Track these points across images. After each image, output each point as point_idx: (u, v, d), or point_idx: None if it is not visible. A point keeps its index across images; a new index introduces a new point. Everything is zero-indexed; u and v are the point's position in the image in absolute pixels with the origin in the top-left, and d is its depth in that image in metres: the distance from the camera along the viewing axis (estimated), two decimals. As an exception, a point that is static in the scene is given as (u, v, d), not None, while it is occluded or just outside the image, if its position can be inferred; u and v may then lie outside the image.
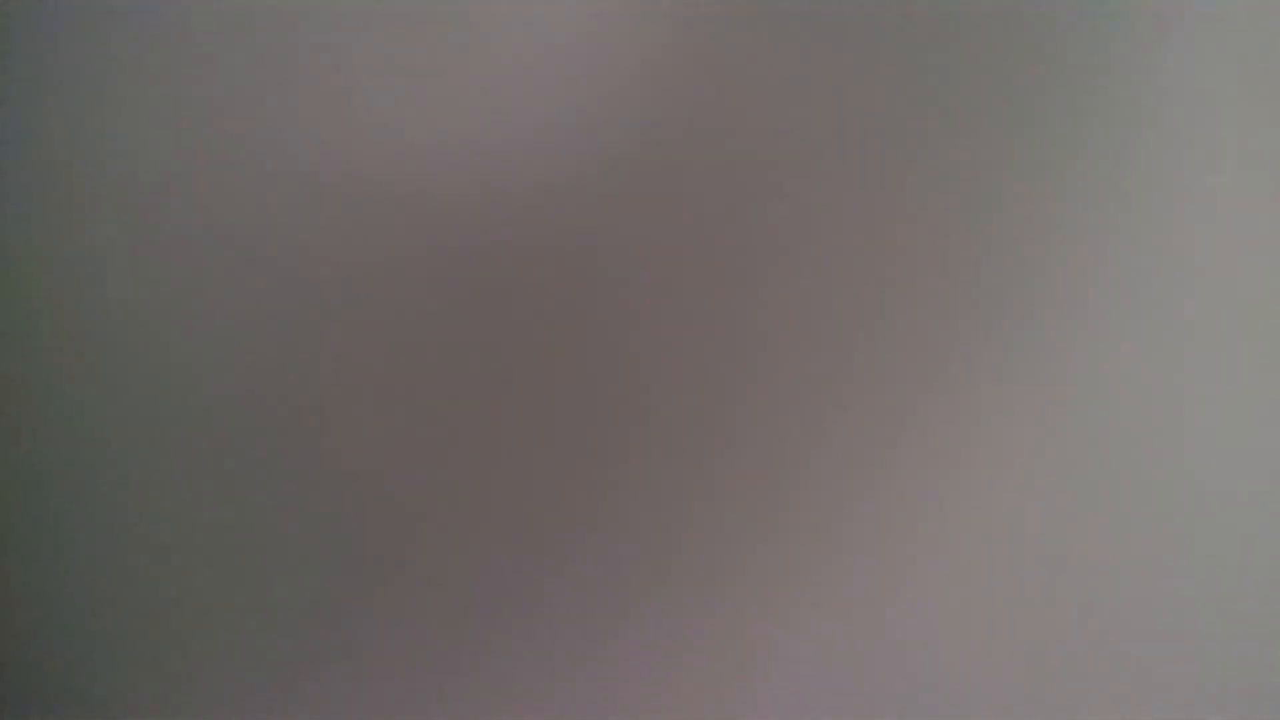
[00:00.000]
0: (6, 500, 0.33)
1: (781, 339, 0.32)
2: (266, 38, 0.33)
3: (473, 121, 0.33)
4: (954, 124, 0.33)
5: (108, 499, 0.33)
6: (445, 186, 0.32)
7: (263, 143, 0.33)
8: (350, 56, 0.33)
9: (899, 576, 0.32)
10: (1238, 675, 0.32)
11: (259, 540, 0.32)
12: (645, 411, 0.32)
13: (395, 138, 0.33)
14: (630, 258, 0.32)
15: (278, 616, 0.32)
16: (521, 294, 0.32)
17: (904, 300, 0.32)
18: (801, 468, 0.32)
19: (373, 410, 0.32)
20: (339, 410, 0.32)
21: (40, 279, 0.33)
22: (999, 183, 0.33)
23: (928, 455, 0.32)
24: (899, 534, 0.32)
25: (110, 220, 0.33)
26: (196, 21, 0.33)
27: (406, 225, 0.32)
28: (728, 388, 0.32)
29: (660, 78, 0.33)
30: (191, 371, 0.33)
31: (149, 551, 0.32)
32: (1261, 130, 0.33)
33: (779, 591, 0.32)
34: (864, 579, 0.32)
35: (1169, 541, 0.32)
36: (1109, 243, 0.33)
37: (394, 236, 0.32)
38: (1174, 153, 0.33)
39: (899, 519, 0.32)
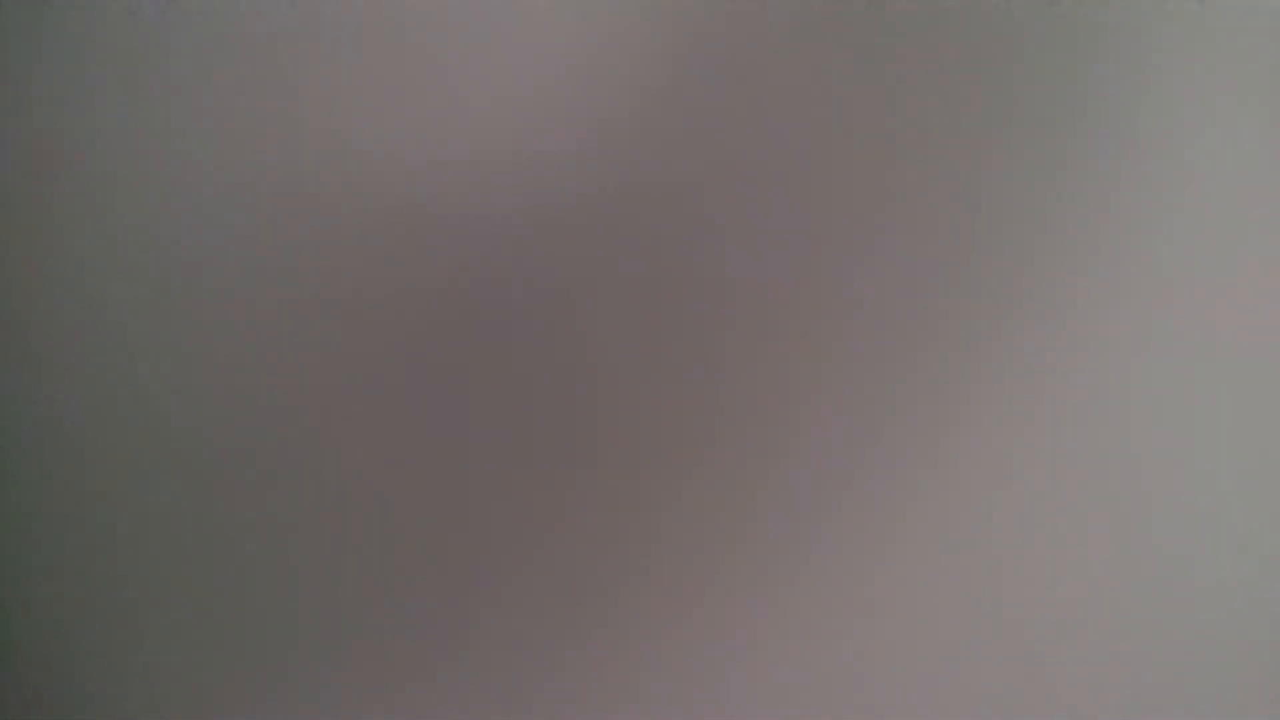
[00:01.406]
0: (7, 502, 0.33)
1: (762, 344, 0.32)
2: (265, 48, 0.33)
3: (467, 134, 0.33)
4: (945, 129, 0.33)
5: (107, 502, 0.33)
6: (441, 199, 0.33)
7: (260, 154, 0.33)
8: (350, 69, 0.33)
9: (880, 576, 0.32)
10: (1237, 675, 0.32)
11: (252, 543, 0.32)
12: (626, 415, 0.32)
13: (392, 151, 0.33)
14: (611, 266, 0.32)
15: (271, 617, 0.32)
16: (503, 302, 0.32)
17: (889, 303, 0.32)
18: (782, 470, 0.32)
19: (363, 414, 0.32)
20: (332, 417, 0.33)
21: (43, 286, 0.33)
22: (989, 186, 0.33)
23: (911, 456, 0.32)
24: (880, 534, 0.32)
25: (110, 225, 0.33)
26: (195, 30, 0.33)
27: (402, 237, 0.33)
28: (710, 388, 0.32)
29: (649, 97, 0.33)
30: (188, 378, 0.33)
31: (146, 554, 0.33)
32: (1259, 129, 0.33)
33: (758, 592, 0.32)
34: (844, 578, 0.32)
35: (1154, 541, 0.32)
36: (1101, 245, 0.33)
37: (383, 249, 0.33)
38: (1170, 153, 0.33)
39: (880, 519, 0.32)
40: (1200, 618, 0.32)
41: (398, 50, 0.33)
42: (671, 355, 0.32)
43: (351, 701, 0.32)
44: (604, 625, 0.32)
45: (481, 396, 0.32)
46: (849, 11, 0.33)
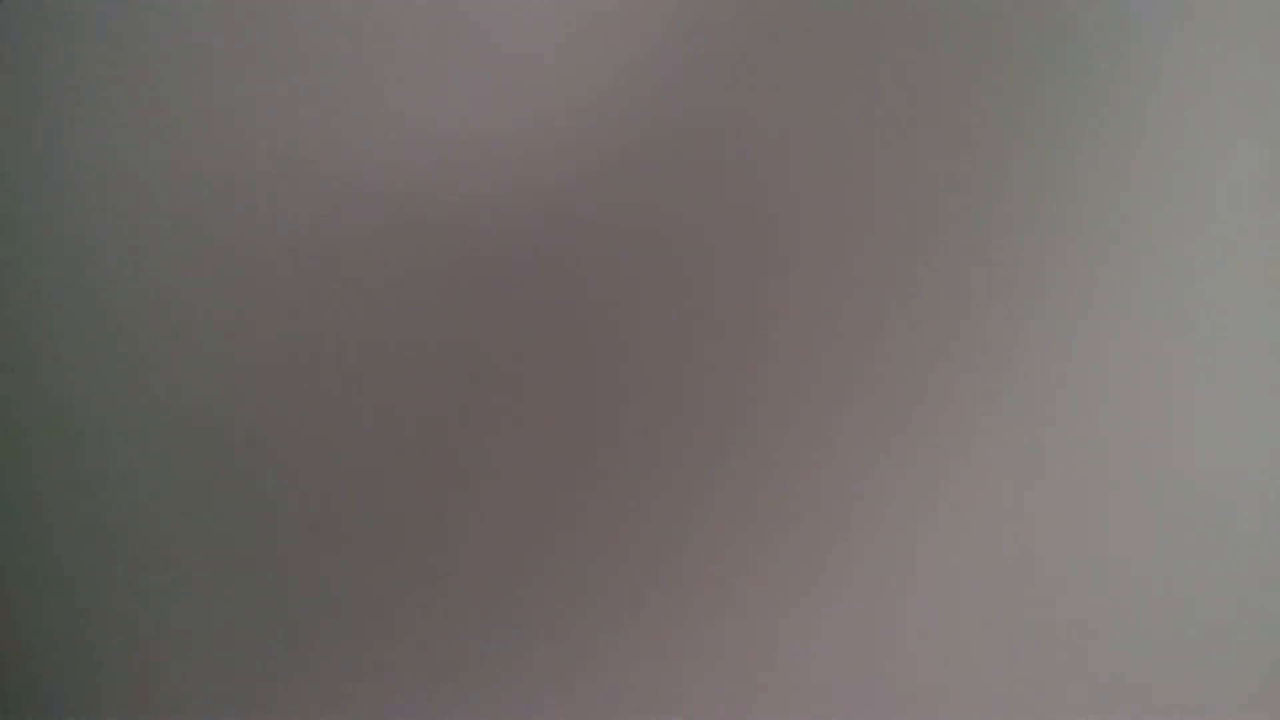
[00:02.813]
0: (7, 501, 0.33)
1: (780, 341, 0.32)
2: (267, 40, 0.33)
3: (470, 123, 0.33)
4: (951, 127, 0.33)
5: (107, 501, 0.33)
6: (445, 188, 0.32)
7: (262, 144, 0.33)
8: (352, 58, 0.33)
9: (899, 576, 0.32)
10: (1236, 676, 0.32)
11: (256, 542, 0.32)
12: (646, 414, 0.32)
13: (396, 140, 0.33)
14: (629, 261, 0.32)
15: (275, 617, 0.32)
16: (520, 296, 0.32)
17: (902, 303, 0.32)
18: (801, 468, 0.32)
19: (373, 410, 0.32)
20: (339, 412, 0.32)
21: (44, 281, 0.33)
22: (995, 185, 0.33)
23: (927, 456, 0.32)
24: (899, 534, 0.32)
25: (110, 221, 0.33)
26: (197, 24, 0.33)
27: (407, 227, 0.32)
28: (727, 387, 0.32)
29: (660, 81, 0.33)
30: (191, 373, 0.32)
31: (147, 553, 0.32)
32: (1261, 130, 0.33)
33: (778, 593, 0.32)
34: (864, 579, 0.32)
35: (1166, 542, 0.32)
36: (1106, 245, 0.33)
37: (395, 238, 0.32)
38: (1171, 153, 0.33)
39: (899, 519, 0.32)
40: (1224, 614, 0.32)
41: (407, 37, 0.33)
42: (689, 352, 0.32)
43: (368, 703, 0.32)
44: (629, 625, 0.32)
45: (506, 388, 0.32)
46: (854, 6, 0.33)
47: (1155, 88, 0.33)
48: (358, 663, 0.32)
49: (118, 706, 0.32)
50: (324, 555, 0.32)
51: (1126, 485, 0.32)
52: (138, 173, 0.33)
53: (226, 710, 0.32)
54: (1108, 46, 0.33)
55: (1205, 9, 0.33)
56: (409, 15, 0.33)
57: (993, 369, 0.32)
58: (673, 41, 0.33)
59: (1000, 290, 0.33)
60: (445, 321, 0.32)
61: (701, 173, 0.33)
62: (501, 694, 0.32)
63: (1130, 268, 0.33)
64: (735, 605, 0.32)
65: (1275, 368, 0.33)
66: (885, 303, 0.32)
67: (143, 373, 0.33)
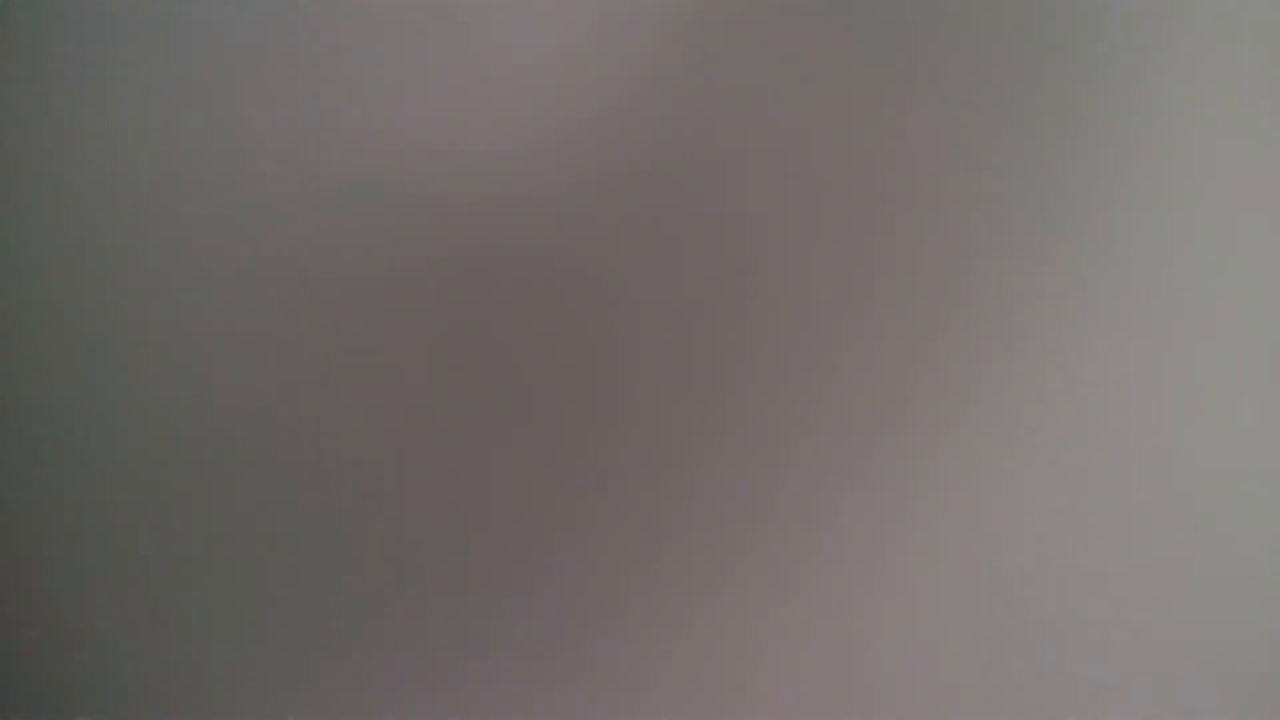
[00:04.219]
0: (7, 501, 0.33)
1: (766, 345, 0.32)
2: (269, 42, 0.33)
3: (469, 128, 0.33)
4: (945, 125, 0.33)
5: (103, 501, 0.33)
6: (441, 193, 0.33)
7: (262, 147, 0.33)
8: (353, 62, 0.33)
9: (883, 573, 0.32)
10: (1230, 676, 0.32)
11: (255, 540, 0.32)
12: (633, 412, 0.32)
13: (393, 145, 0.33)
14: (618, 260, 0.32)
15: (272, 615, 0.32)
16: (510, 296, 0.32)
17: (888, 301, 0.32)
18: (786, 467, 0.32)
19: (367, 409, 0.32)
20: (330, 414, 0.32)
21: (44, 282, 0.33)
22: (989, 183, 0.33)
23: (911, 454, 0.32)
24: (884, 535, 0.32)
25: (111, 221, 0.33)
26: (199, 25, 0.33)
27: (402, 231, 0.33)
28: (714, 386, 0.32)
29: (654, 85, 0.33)
30: (189, 373, 0.33)
31: (146, 552, 0.33)
32: (1258, 127, 0.33)
33: (762, 590, 0.32)
34: (848, 576, 0.32)
35: (1150, 543, 0.32)
36: (1095, 244, 0.33)
37: (391, 242, 0.32)
38: (1168, 151, 0.33)
39: (883, 516, 0.32)
40: (1206, 614, 0.32)
41: (407, 41, 0.33)
42: (681, 348, 0.32)
43: (359, 700, 0.32)
44: (615, 621, 0.32)
45: (493, 391, 0.32)
46: (854, 5, 0.33)
47: (1149, 84, 0.33)
48: (348, 663, 0.32)
49: (114, 707, 0.32)
50: (320, 555, 0.32)
51: (1112, 486, 0.32)
52: (133, 177, 0.33)
53: (216, 711, 0.32)
54: (1101, 42, 0.33)
55: (1202, 4, 0.33)
56: (401, 23, 0.33)
57: (977, 369, 0.32)
58: (663, 48, 0.33)
59: (984, 292, 0.32)
60: (435, 325, 0.32)
61: (692, 176, 0.33)
62: (485, 693, 0.32)
63: (1119, 268, 0.33)
64: (718, 607, 0.32)
65: (1271, 368, 0.33)
66: (872, 304, 0.32)
67: (139, 374, 0.33)
